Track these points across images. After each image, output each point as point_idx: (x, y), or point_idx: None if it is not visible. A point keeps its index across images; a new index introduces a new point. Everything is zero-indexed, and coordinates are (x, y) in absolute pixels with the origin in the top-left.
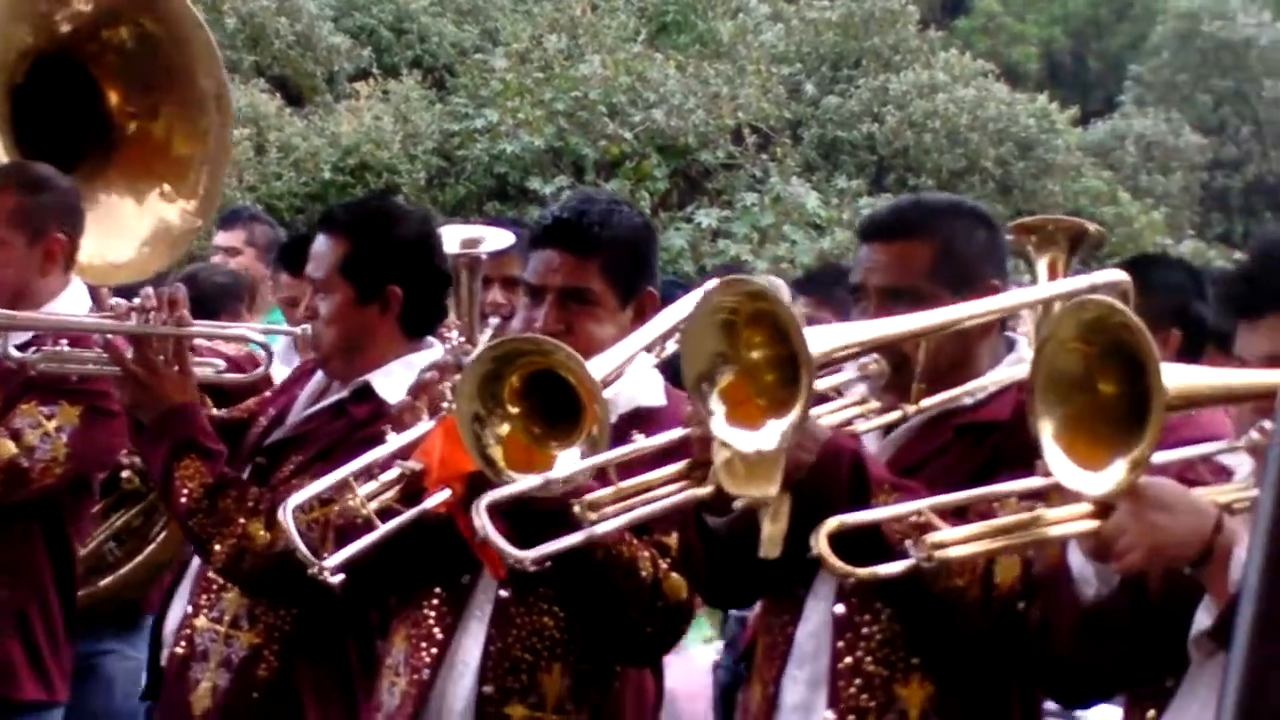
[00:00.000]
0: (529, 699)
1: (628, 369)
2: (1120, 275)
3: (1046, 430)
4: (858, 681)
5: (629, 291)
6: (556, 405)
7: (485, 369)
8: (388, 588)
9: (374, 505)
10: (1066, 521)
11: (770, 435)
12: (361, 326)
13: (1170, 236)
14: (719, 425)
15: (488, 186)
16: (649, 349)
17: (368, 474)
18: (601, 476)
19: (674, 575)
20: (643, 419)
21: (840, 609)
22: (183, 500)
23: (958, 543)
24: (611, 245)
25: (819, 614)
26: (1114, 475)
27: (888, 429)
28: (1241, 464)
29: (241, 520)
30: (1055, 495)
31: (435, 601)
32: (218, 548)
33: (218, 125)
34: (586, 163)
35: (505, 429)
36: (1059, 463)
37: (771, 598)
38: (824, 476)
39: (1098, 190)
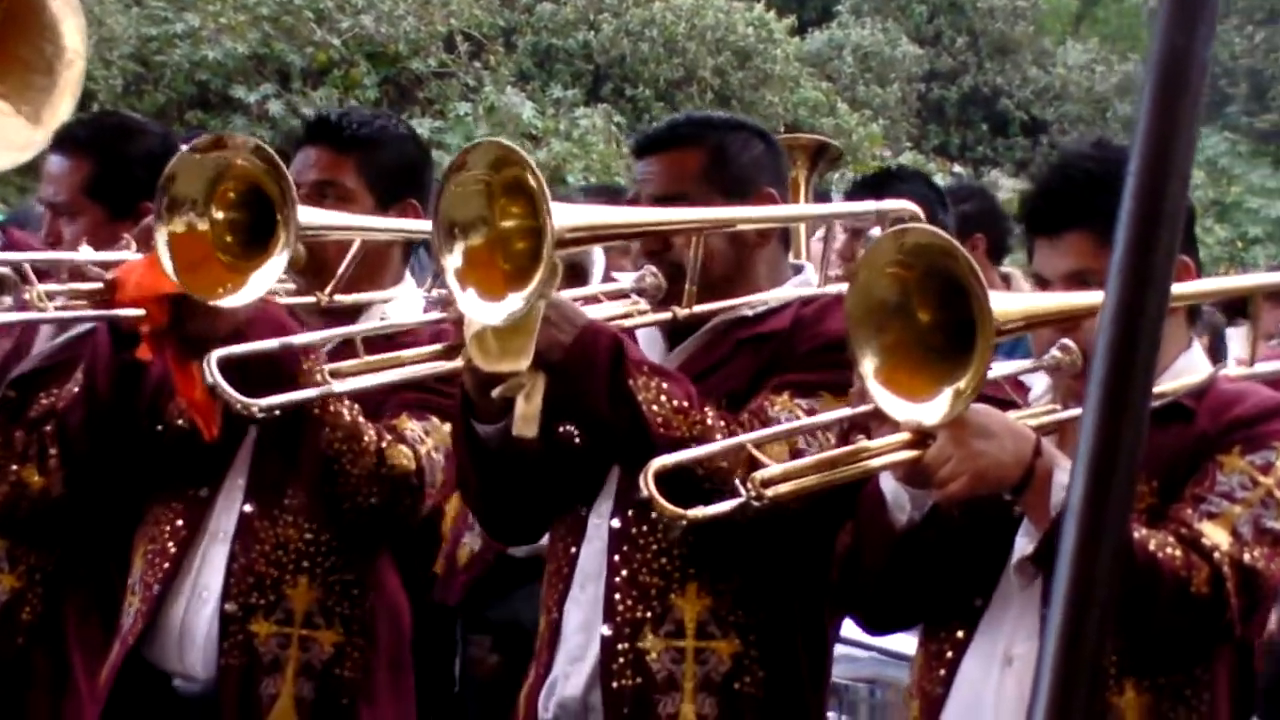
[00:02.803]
0: (275, 614)
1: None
2: (909, 205)
3: (867, 358)
4: (634, 594)
5: (389, 195)
6: (257, 228)
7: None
8: (118, 488)
9: (57, 303)
10: (889, 451)
11: (510, 305)
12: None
13: (888, 148)
14: (459, 292)
15: (189, 94)
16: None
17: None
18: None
19: (400, 448)
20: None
21: (617, 523)
22: None
23: (785, 478)
24: (370, 146)
25: (602, 531)
26: (942, 404)
27: (673, 343)
28: (1036, 382)
29: (14, 467)
30: (874, 423)
31: (171, 516)
32: None
33: None
34: (293, 70)
35: (190, 226)
36: (881, 392)
37: (556, 519)
38: (581, 358)
39: (816, 101)
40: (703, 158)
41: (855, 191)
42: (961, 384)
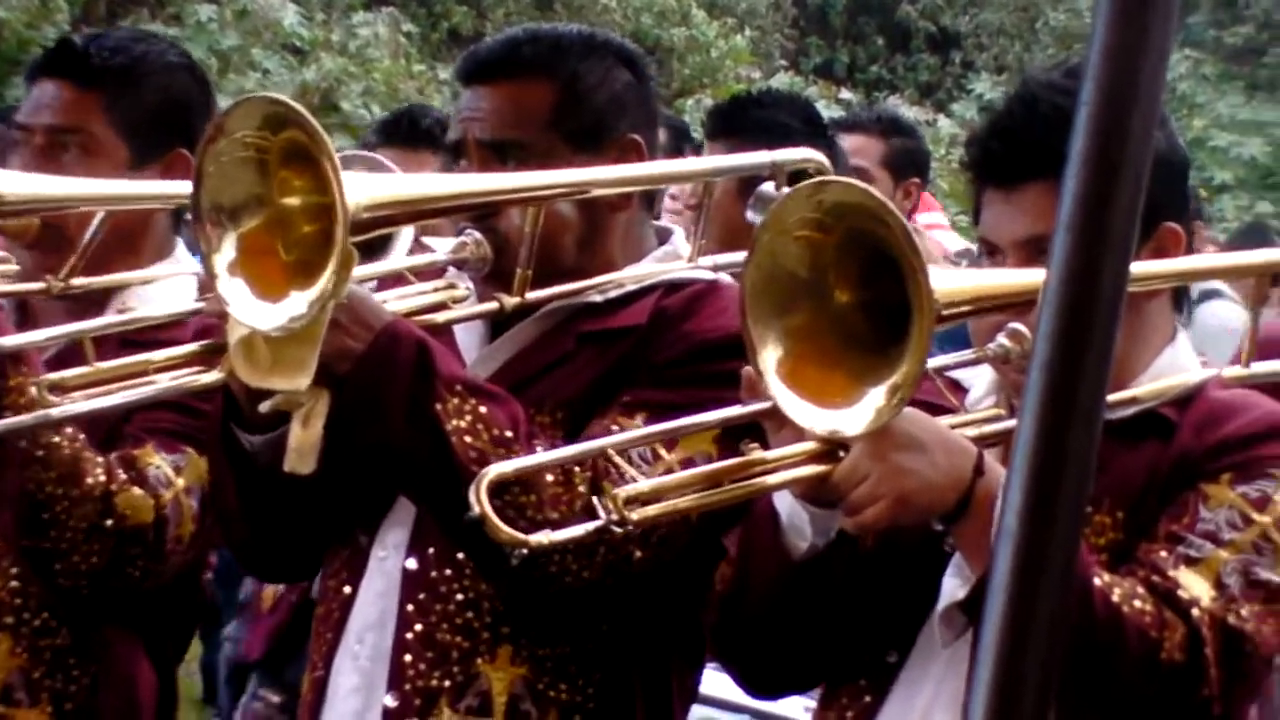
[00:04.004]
0: None
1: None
2: (813, 153)
3: (767, 347)
4: (429, 656)
5: (149, 145)
6: None
7: None
8: None
9: None
10: (789, 466)
11: (291, 307)
12: None
13: (758, 68)
14: (229, 290)
15: None
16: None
17: None
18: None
19: (135, 492)
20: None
21: (413, 563)
22: None
23: (655, 496)
24: (125, 80)
25: (388, 569)
26: (867, 409)
27: (498, 330)
28: (977, 380)
29: None
30: (770, 426)
31: None
32: None
33: None
34: None
35: None
36: (785, 392)
37: (329, 550)
38: (376, 370)
39: (664, 6)
40: (551, 94)
41: (707, 123)
42: (892, 383)
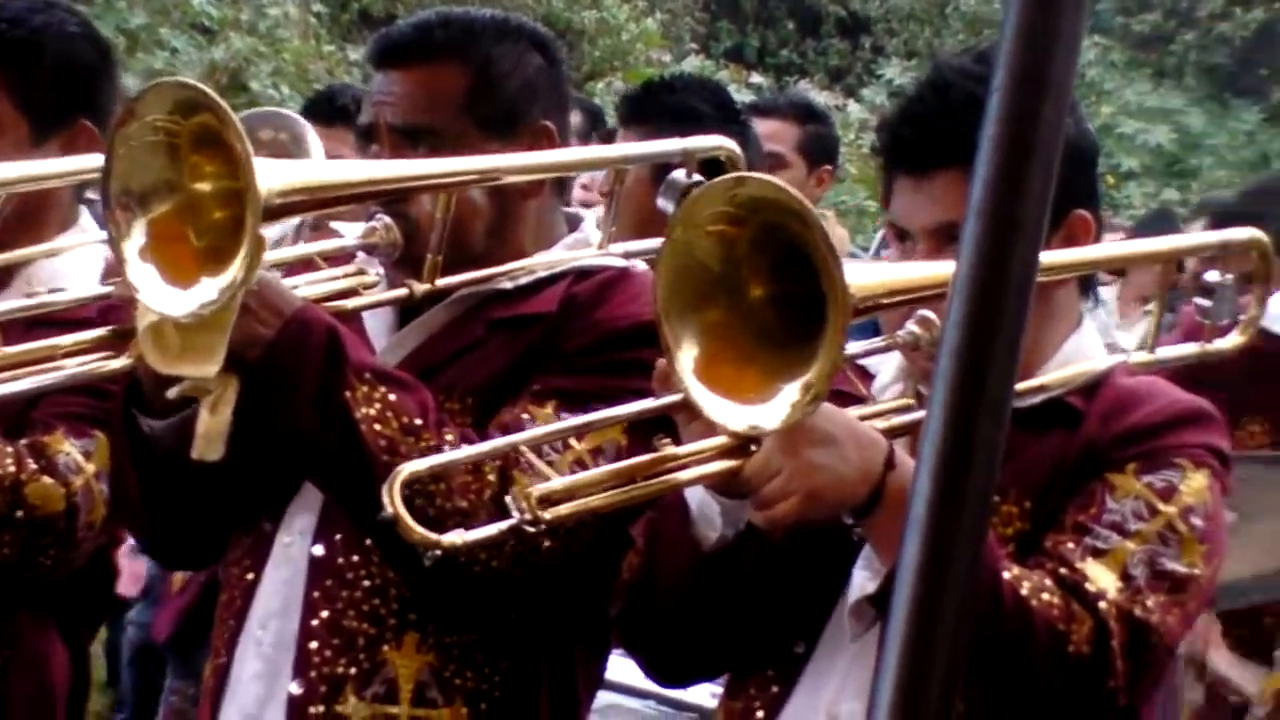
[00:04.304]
0: None
1: None
2: (724, 141)
3: (683, 344)
4: (335, 643)
5: (49, 119)
6: None
7: None
8: None
9: None
10: (701, 461)
11: (202, 294)
12: None
13: (668, 51)
14: (139, 276)
15: None
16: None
17: None
18: None
19: (45, 481)
20: None
21: (320, 549)
22: None
23: (568, 495)
24: (23, 53)
25: (293, 556)
26: (783, 405)
27: (407, 317)
28: (884, 367)
29: None
30: (681, 420)
31: None
32: None
33: None
34: None
35: None
36: (701, 389)
37: (232, 536)
38: (286, 357)
39: None
40: (464, 79)
41: (620, 109)
42: (807, 378)
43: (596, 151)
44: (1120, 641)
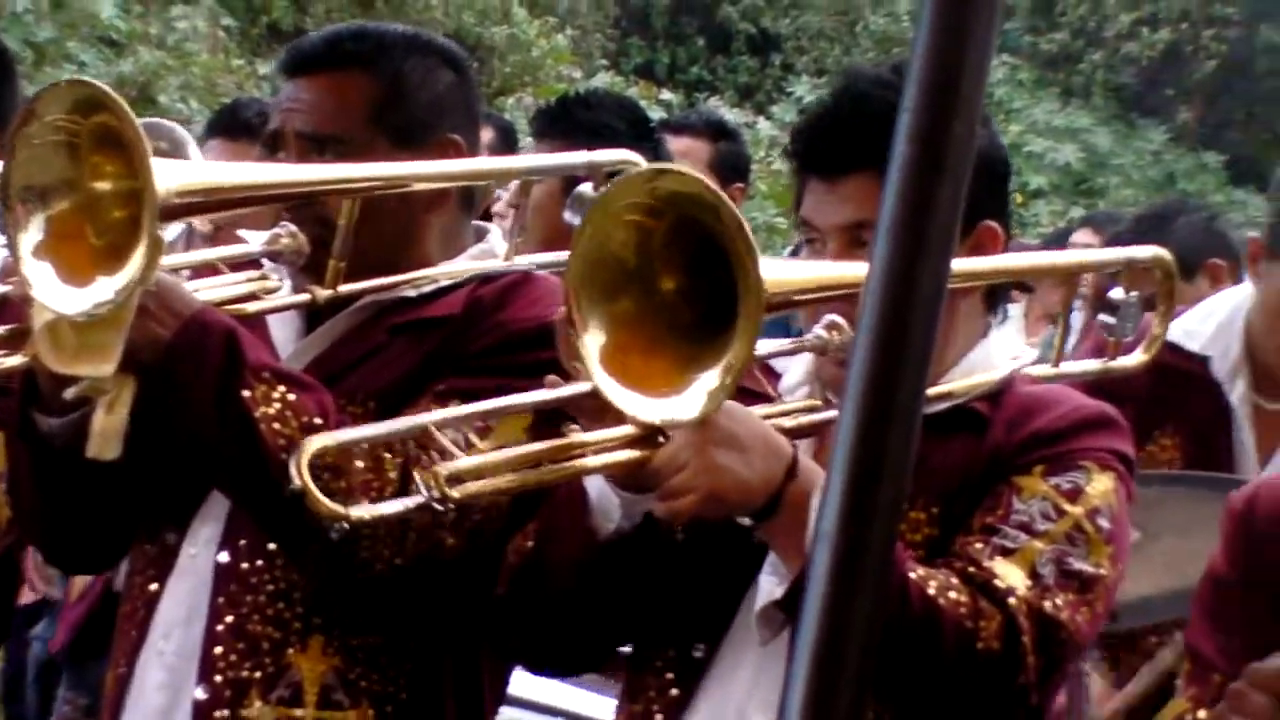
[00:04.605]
0: None
1: None
2: (630, 154)
3: (591, 333)
4: (240, 647)
5: None
6: None
7: None
8: None
9: None
10: (608, 449)
11: (98, 293)
12: None
13: (578, 67)
14: (35, 274)
15: None
16: None
17: None
18: None
19: None
20: None
21: (225, 556)
22: None
23: (477, 474)
24: None
25: (199, 566)
26: (697, 397)
27: (314, 324)
28: (792, 368)
29: None
30: (589, 406)
31: None
32: None
33: None
34: None
35: None
36: (608, 379)
37: (135, 544)
38: (184, 357)
39: (486, 5)
40: (372, 90)
41: (533, 124)
42: (719, 370)
43: (503, 162)
44: (1031, 637)
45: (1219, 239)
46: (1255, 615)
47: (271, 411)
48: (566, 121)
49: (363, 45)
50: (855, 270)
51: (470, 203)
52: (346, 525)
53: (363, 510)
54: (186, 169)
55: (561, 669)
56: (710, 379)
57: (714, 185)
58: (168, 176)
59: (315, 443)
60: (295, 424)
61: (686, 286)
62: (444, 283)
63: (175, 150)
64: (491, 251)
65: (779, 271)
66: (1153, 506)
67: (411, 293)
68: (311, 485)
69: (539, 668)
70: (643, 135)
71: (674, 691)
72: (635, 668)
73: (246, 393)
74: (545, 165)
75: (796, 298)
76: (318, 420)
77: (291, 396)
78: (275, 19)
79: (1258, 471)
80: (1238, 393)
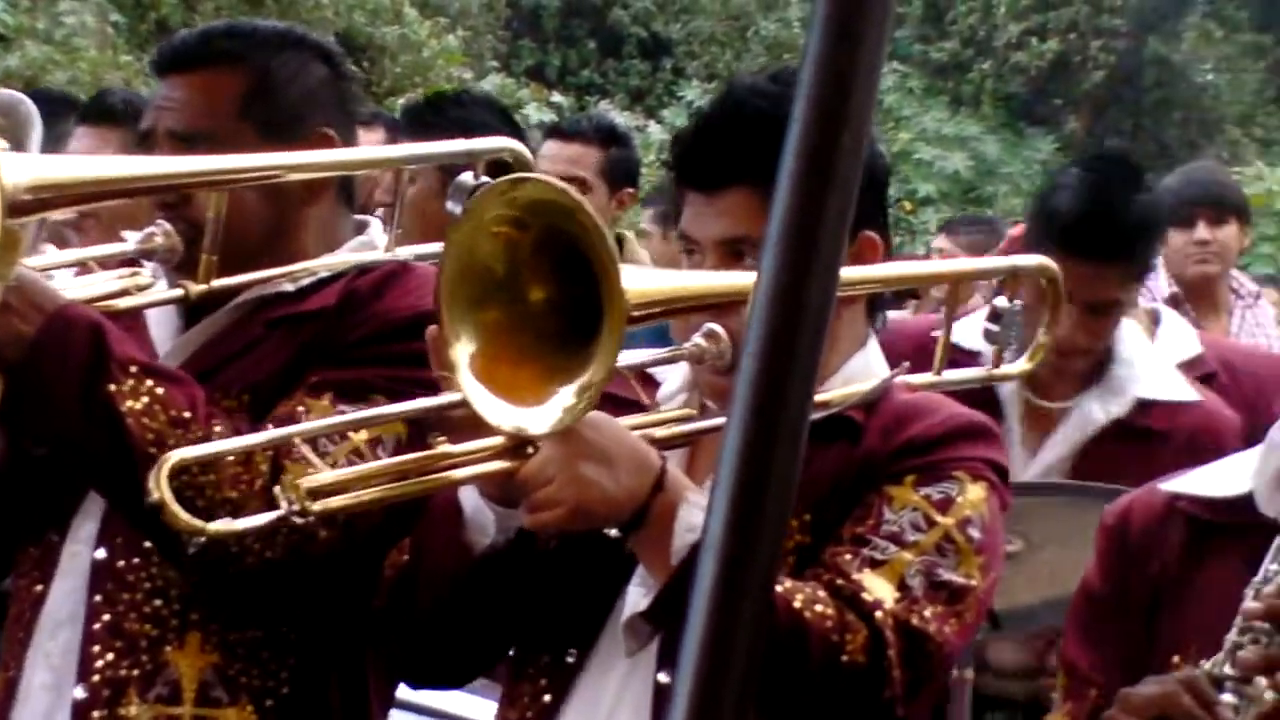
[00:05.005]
0: None
1: None
2: (510, 142)
3: (461, 342)
4: (117, 646)
5: None
6: None
7: None
8: None
9: None
10: (476, 460)
11: None
12: None
13: (469, 69)
14: None
15: None
16: None
17: None
18: None
19: None
20: None
21: (102, 553)
22: None
23: (339, 488)
24: None
25: (79, 564)
26: (553, 409)
27: (189, 323)
28: (670, 376)
29: None
30: (461, 418)
31: None
32: None
33: None
34: None
35: None
36: (476, 387)
37: (20, 548)
38: (48, 353)
39: (377, 4)
40: (241, 84)
41: (402, 121)
42: (581, 383)
43: (379, 152)
44: (897, 651)
45: None
46: (1129, 629)
47: (139, 406)
48: (436, 119)
49: (233, 42)
50: (723, 280)
51: (349, 196)
52: (203, 540)
53: (221, 525)
54: (38, 163)
55: (440, 681)
56: (570, 392)
57: (572, 191)
58: (16, 170)
59: (175, 456)
60: (164, 418)
61: (555, 296)
62: (323, 275)
63: (17, 128)
64: (372, 244)
65: (644, 281)
66: (1035, 516)
67: (290, 286)
68: (169, 499)
69: (420, 682)
70: (515, 133)
71: (547, 697)
72: (513, 673)
73: (113, 386)
74: (424, 153)
75: (658, 310)
76: (186, 414)
77: (160, 390)
78: (164, 15)
79: (1024, 460)
80: (1008, 389)
